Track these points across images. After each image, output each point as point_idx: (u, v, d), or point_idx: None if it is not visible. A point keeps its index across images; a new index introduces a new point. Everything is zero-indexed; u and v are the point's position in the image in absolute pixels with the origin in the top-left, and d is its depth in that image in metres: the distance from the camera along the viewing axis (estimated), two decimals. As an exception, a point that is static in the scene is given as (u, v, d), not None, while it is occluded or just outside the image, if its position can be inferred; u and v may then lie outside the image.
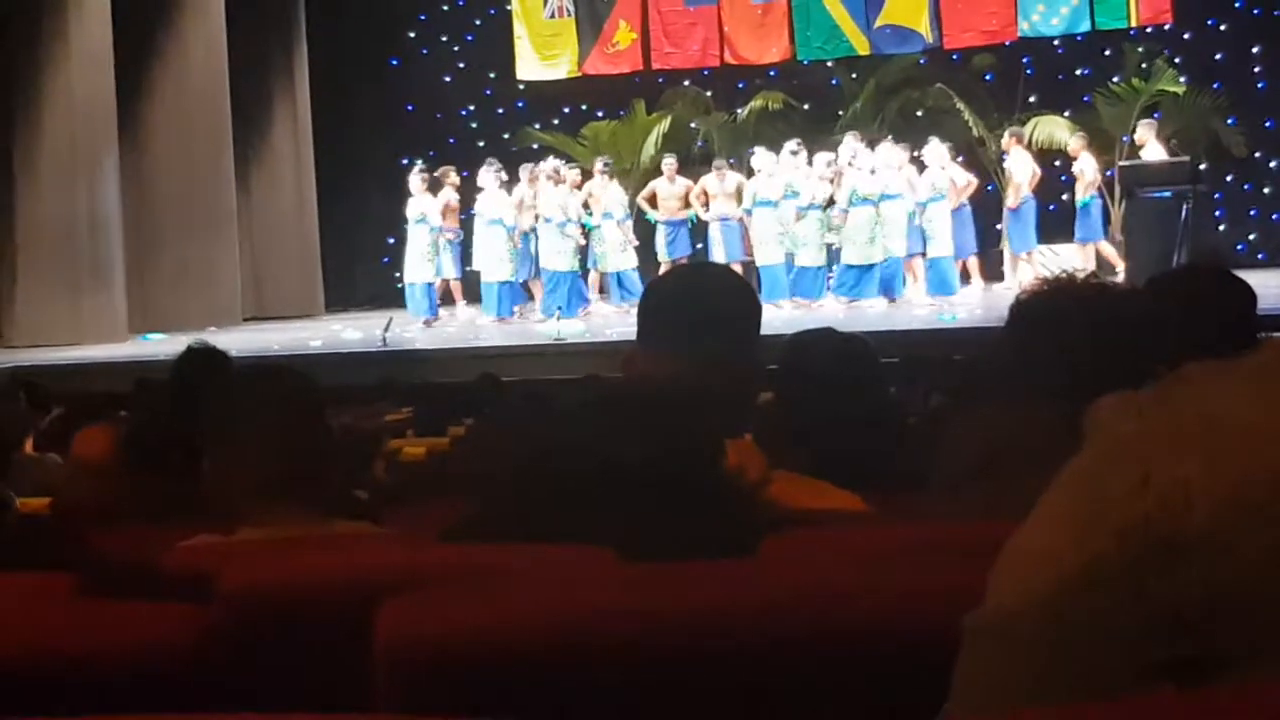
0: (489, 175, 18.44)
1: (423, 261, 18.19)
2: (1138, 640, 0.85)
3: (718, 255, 18.16)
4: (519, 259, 18.35)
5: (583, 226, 18.89)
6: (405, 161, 19.03)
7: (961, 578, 1.21)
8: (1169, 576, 0.84)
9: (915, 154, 18.25)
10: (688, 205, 19.15)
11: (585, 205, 18.82)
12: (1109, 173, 18.99)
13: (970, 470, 2.60)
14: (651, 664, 1.79)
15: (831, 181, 18.29)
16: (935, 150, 18.13)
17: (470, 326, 17.91)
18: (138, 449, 4.34)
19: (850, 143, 18.30)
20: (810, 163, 18.44)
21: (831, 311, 16.90)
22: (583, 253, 18.82)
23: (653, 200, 19.30)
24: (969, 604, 0.96)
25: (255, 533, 3.05)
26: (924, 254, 18.01)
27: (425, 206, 18.19)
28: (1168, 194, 15.66)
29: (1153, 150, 17.74)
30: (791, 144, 18.65)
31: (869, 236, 17.69)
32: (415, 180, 18.31)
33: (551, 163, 18.92)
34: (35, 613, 2.21)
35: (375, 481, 6.10)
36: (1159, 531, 0.85)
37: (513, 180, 18.73)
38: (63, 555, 2.93)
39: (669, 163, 19.49)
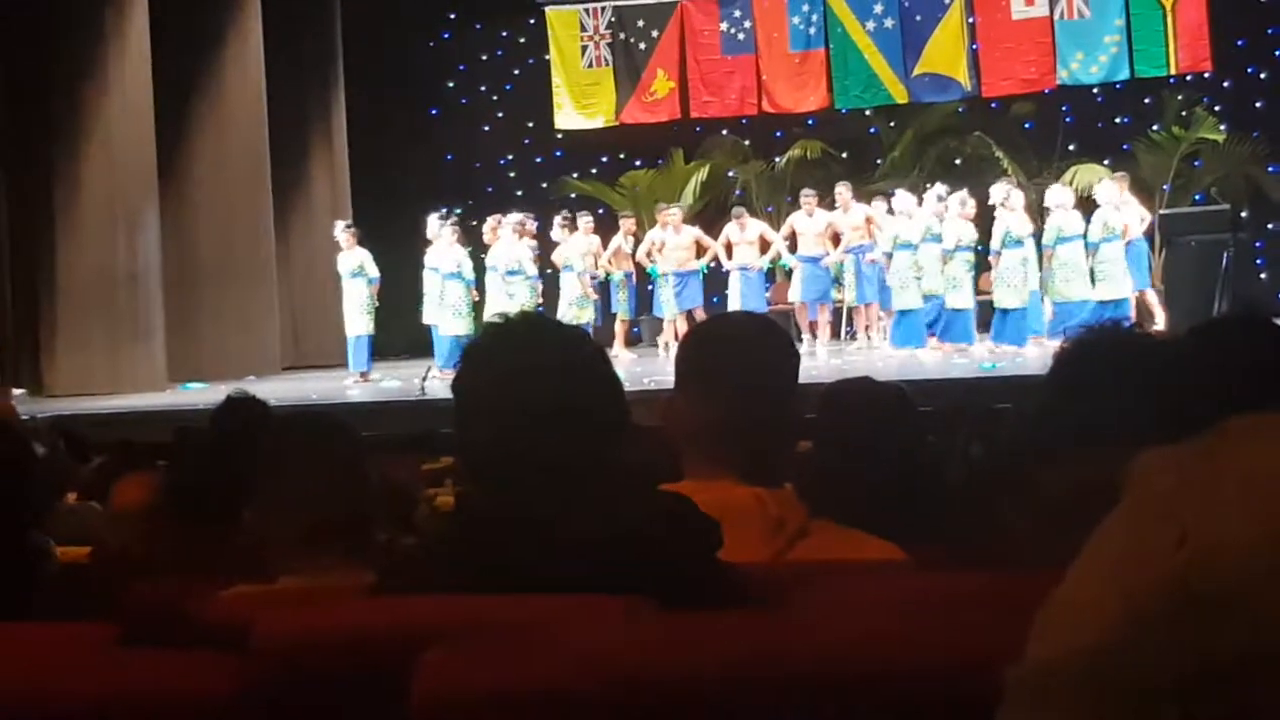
0: (444, 228, 18.12)
1: (360, 315, 18.11)
2: (1174, 695, 0.85)
3: (735, 306, 17.74)
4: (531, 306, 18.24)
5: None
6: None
7: (1002, 630, 1.20)
8: (1205, 633, 0.84)
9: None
10: (699, 255, 18.99)
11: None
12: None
13: (1010, 521, 2.59)
14: (685, 715, 1.78)
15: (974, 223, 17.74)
16: (1108, 189, 17.56)
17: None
18: (177, 498, 4.35)
19: (1003, 184, 17.86)
20: (943, 202, 17.81)
21: (862, 359, 16.78)
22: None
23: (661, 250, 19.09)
24: (1009, 656, 0.95)
25: (294, 582, 3.05)
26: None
27: (361, 259, 18.09)
28: (1196, 241, 15.61)
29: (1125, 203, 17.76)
30: (941, 189, 18.15)
31: (1022, 278, 17.09)
32: (343, 236, 18.27)
33: (514, 216, 18.50)
34: (75, 661, 2.21)
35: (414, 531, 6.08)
36: (1195, 588, 0.84)
37: (468, 233, 18.56)
38: (102, 604, 2.93)
39: (673, 213, 19.33)
